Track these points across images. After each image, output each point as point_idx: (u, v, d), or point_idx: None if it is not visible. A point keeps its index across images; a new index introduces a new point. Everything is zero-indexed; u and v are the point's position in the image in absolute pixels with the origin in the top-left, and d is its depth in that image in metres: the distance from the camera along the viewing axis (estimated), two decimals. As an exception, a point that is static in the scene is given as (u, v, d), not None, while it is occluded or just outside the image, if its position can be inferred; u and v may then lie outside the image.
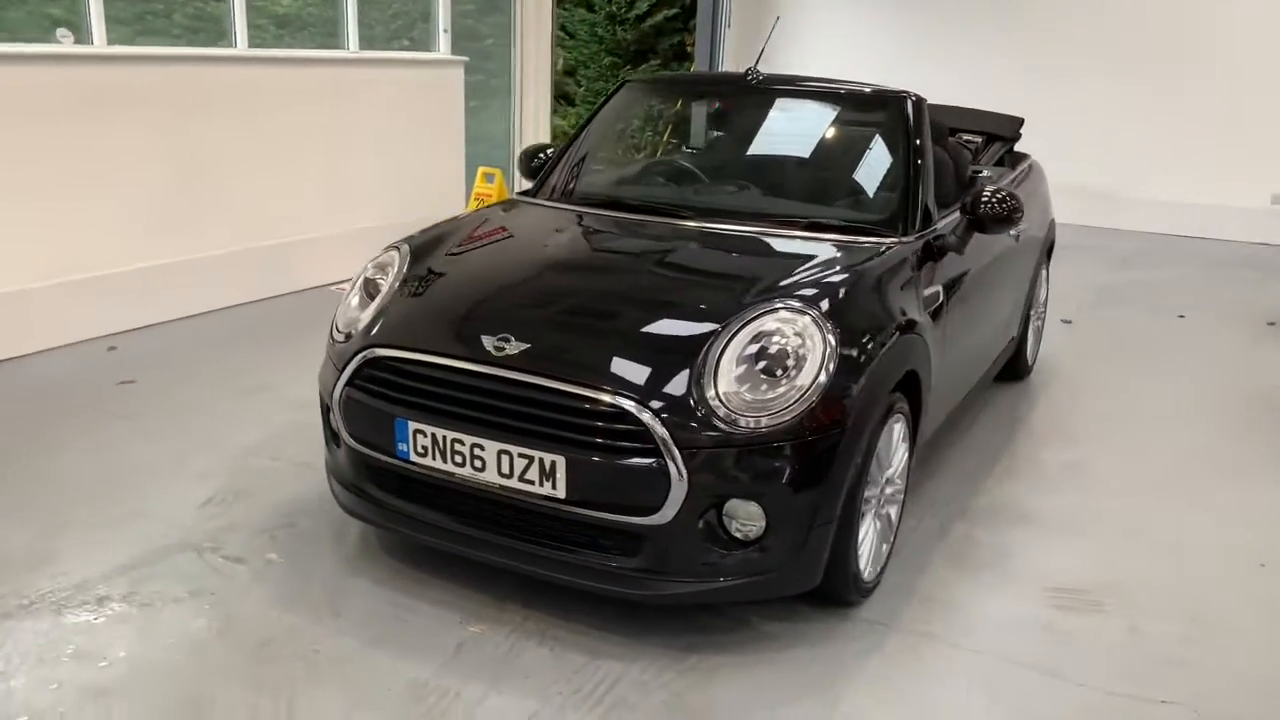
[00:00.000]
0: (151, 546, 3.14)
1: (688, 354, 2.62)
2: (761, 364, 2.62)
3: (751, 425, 2.54)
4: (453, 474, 2.72)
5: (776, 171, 3.74)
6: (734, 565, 2.62)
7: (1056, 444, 4.29)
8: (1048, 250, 5.07)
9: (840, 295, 2.83)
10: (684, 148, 3.98)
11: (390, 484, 2.91)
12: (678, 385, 2.57)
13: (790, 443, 2.55)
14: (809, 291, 2.81)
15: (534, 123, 8.24)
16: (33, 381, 4.53)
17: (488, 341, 2.71)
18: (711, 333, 2.66)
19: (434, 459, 2.73)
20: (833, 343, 2.65)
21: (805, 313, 2.70)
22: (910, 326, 2.99)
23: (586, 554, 2.67)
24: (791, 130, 3.76)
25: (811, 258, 3.07)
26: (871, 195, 3.52)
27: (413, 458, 2.77)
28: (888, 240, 3.21)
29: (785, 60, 11.12)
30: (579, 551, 2.67)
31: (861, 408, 2.67)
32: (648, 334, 2.74)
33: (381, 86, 6.54)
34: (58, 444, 3.85)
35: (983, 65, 10.17)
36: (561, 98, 11.95)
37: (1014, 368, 4.94)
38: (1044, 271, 5.07)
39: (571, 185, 3.78)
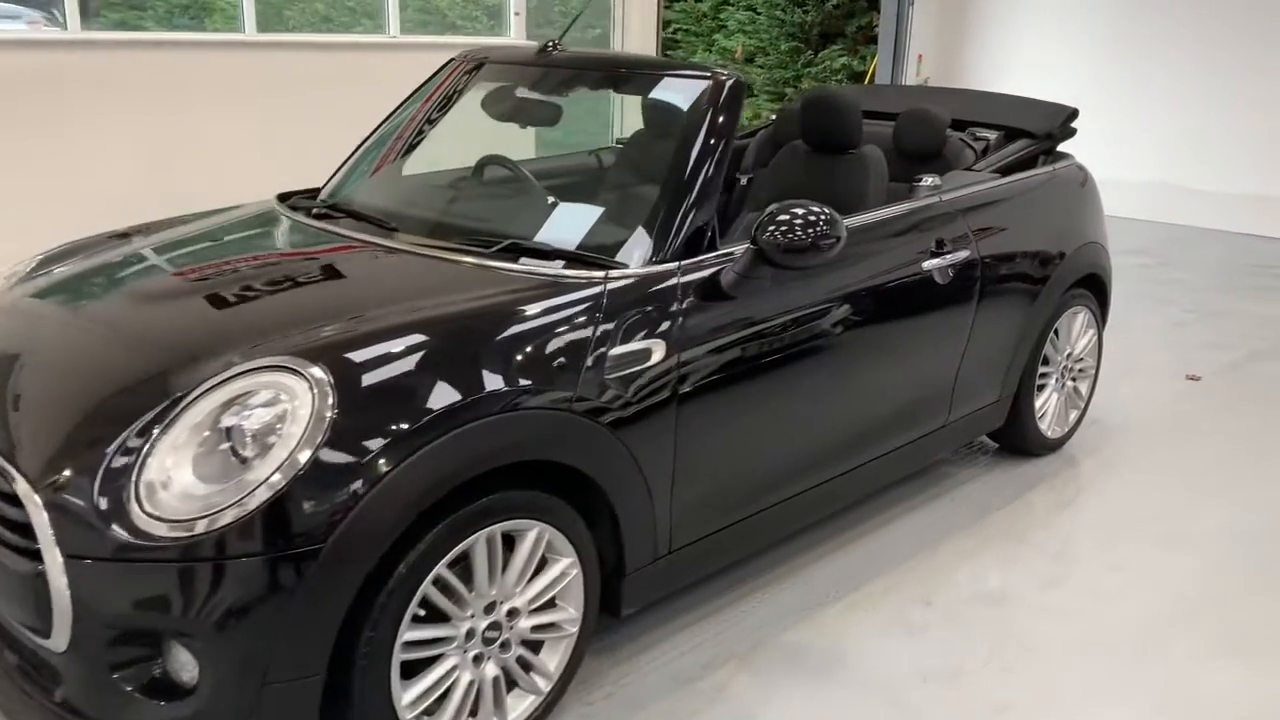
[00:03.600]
0: None
1: (128, 422, 1.92)
2: (225, 444, 1.87)
3: (179, 532, 1.81)
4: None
5: (520, 177, 2.87)
6: (169, 724, 1.90)
7: (993, 560, 3.09)
8: (1087, 285, 3.75)
9: (380, 351, 2.00)
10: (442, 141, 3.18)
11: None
12: (93, 466, 1.88)
13: (224, 561, 1.80)
14: (338, 344, 2.00)
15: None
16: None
17: (-37, 382, 2.15)
18: (174, 395, 1.94)
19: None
20: (329, 418, 1.86)
21: (300, 374, 1.92)
22: (552, 399, 2.11)
23: (30, 673, 2.04)
24: (562, 125, 2.87)
25: (413, 296, 2.24)
26: (612, 211, 2.59)
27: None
28: (586, 275, 2.32)
29: (986, 41, 9.72)
30: (25, 668, 2.05)
31: (373, 515, 1.86)
32: (107, 391, 2.05)
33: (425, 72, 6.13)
34: None
35: (1205, 60, 8.34)
36: (743, 87, 11.09)
37: (1014, 439, 3.72)
38: (1081, 315, 3.76)
39: (332, 184, 3.12)
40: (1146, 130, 8.75)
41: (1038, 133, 3.77)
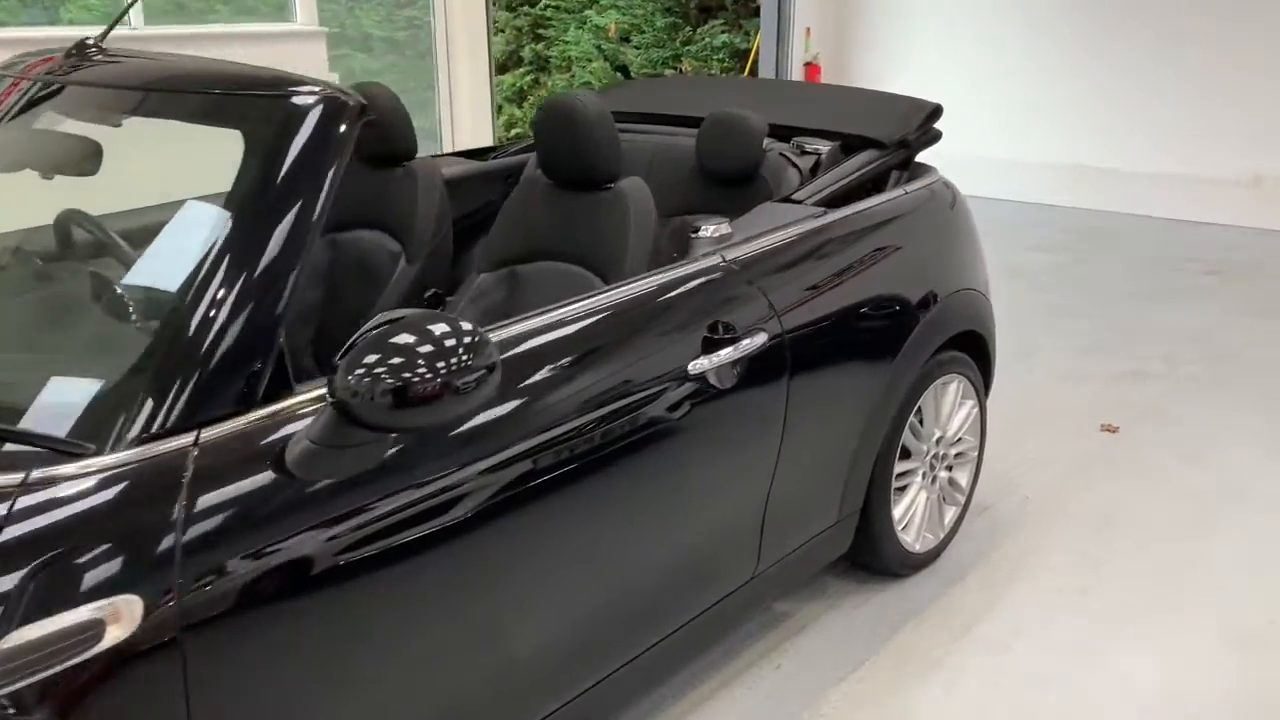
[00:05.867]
0: None
1: None
2: None
3: None
4: None
5: (87, 253, 1.79)
6: None
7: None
8: (962, 346, 2.78)
9: None
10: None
11: None
12: None
13: None
14: None
15: (470, 114, 6.41)
16: None
17: None
18: None
19: None
20: None
21: None
22: None
23: None
24: (86, 182, 1.79)
25: None
26: (105, 332, 1.53)
27: None
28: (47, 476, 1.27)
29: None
30: None
31: None
32: None
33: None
34: None
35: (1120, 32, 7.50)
36: (621, 70, 10.04)
37: (868, 559, 2.76)
38: (955, 386, 2.79)
39: None
40: (1055, 106, 7.91)
41: (887, 141, 2.77)
